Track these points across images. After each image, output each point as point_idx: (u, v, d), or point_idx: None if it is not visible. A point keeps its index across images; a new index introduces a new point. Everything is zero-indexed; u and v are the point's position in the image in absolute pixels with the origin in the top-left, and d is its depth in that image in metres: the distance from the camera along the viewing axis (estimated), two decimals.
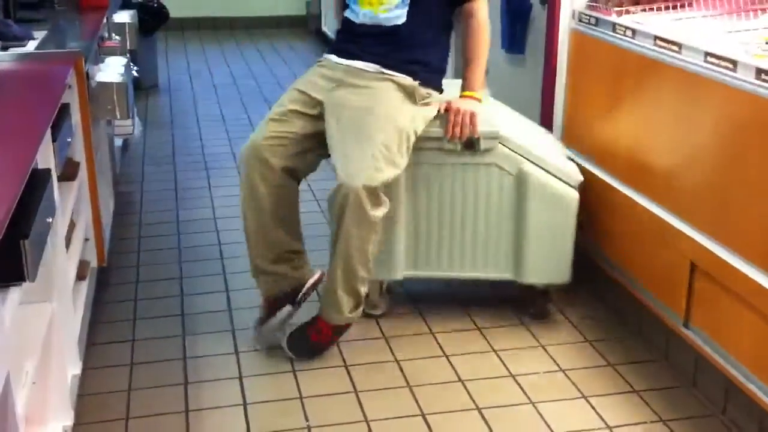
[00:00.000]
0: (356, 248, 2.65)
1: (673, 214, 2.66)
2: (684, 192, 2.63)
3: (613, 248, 3.04)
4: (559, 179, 2.93)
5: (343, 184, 2.57)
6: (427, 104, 2.83)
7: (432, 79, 2.88)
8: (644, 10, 3.01)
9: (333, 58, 2.86)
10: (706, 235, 2.51)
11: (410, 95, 2.77)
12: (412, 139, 2.74)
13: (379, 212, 2.63)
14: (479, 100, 2.86)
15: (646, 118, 2.81)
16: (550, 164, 2.93)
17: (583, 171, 3.16)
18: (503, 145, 2.88)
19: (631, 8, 3.03)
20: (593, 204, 3.13)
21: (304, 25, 8.74)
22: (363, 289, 2.76)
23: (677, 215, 2.64)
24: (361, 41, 2.82)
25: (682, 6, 3.00)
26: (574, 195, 2.95)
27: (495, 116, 3.01)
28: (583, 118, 3.26)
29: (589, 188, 3.14)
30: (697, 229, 2.55)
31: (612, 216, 3.02)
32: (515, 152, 2.89)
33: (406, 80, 2.77)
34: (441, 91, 2.92)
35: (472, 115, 2.80)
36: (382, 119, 2.66)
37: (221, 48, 7.99)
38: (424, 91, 2.80)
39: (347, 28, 2.90)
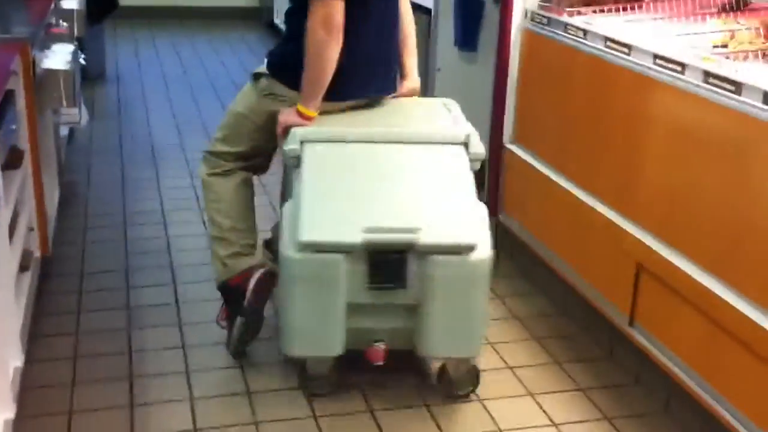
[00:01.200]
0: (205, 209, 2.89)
1: (621, 215, 2.70)
2: (632, 193, 2.66)
3: (561, 247, 3.07)
4: None
5: None
6: (271, 98, 2.68)
7: (279, 73, 2.64)
8: (595, 11, 3.04)
9: None
10: (653, 236, 2.55)
11: (255, 85, 2.73)
12: (248, 125, 2.72)
13: (211, 178, 2.78)
14: (304, 114, 2.54)
15: (596, 118, 2.84)
16: None
17: (533, 169, 3.19)
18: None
19: (582, 9, 3.06)
20: (542, 203, 3.17)
21: (257, 17, 8.67)
22: (217, 248, 2.78)
23: (625, 216, 2.68)
24: None
25: (633, 9, 3.04)
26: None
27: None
28: (534, 117, 3.29)
29: (537, 187, 3.17)
30: (645, 230, 2.58)
31: (561, 216, 3.05)
32: None
33: (261, 69, 2.73)
34: (295, 88, 2.58)
35: (285, 128, 2.58)
36: (232, 103, 2.82)
37: (171, 38, 7.88)
38: (265, 82, 2.68)
39: None
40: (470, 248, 2.38)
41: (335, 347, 2.46)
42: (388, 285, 2.38)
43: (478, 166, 2.58)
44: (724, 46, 2.53)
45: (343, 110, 2.66)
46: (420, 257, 2.37)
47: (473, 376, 2.64)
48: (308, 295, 2.41)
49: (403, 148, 2.57)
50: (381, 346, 2.47)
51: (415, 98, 2.88)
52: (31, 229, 2.92)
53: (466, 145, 2.56)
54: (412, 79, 2.86)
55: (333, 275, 2.37)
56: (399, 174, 2.54)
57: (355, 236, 2.33)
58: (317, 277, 2.38)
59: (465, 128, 2.63)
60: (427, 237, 2.35)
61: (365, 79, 2.65)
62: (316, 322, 2.43)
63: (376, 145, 2.56)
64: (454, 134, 2.59)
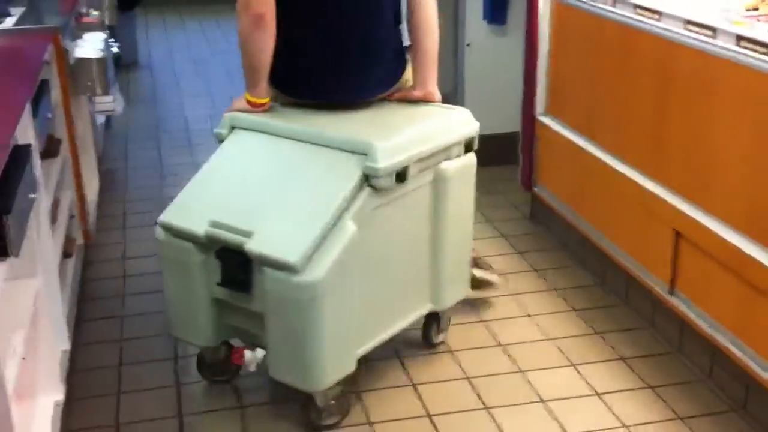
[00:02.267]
0: None
1: (655, 182, 2.68)
2: (666, 160, 2.64)
3: (597, 218, 3.05)
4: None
5: None
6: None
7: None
8: None
9: None
10: (688, 202, 2.53)
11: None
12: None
13: None
14: (251, 101, 2.53)
15: (628, 86, 2.82)
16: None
17: (565, 140, 3.18)
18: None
19: None
20: (576, 174, 3.15)
21: None
22: None
23: (660, 183, 2.66)
24: None
25: None
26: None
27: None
28: (565, 88, 3.27)
29: (570, 158, 3.16)
30: (680, 196, 2.56)
31: (595, 186, 3.03)
32: None
33: None
34: (278, 90, 2.59)
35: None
36: None
37: (200, 24, 7.92)
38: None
39: None
40: (292, 267, 2.14)
41: (204, 336, 2.44)
42: (233, 286, 2.29)
43: (388, 182, 2.28)
44: (755, 9, 2.49)
45: (317, 105, 2.55)
46: (259, 266, 2.23)
47: (343, 405, 2.39)
48: (173, 278, 2.43)
49: (311, 149, 2.39)
50: (245, 349, 2.39)
51: (426, 106, 2.63)
52: (72, 217, 2.97)
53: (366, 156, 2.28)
54: (424, 90, 2.62)
55: (186, 262, 2.35)
56: (286, 175, 2.40)
57: (199, 227, 2.29)
58: (175, 261, 2.39)
59: (394, 139, 2.34)
60: (254, 244, 2.20)
61: (315, 85, 2.54)
62: (184, 307, 2.44)
63: (290, 141, 2.43)
64: (356, 143, 2.31)
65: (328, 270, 2.17)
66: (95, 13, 4.02)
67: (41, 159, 2.40)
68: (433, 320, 2.71)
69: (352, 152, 2.30)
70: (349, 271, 2.23)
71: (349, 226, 2.22)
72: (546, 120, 3.36)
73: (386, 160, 2.27)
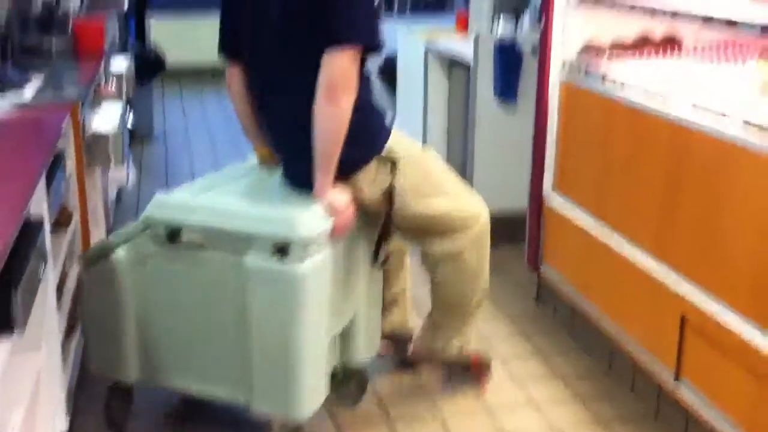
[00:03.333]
0: None
1: (663, 265, 2.67)
2: (673, 243, 2.63)
3: (603, 300, 3.03)
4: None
5: None
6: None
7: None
8: (632, 58, 3.04)
9: None
10: (696, 286, 2.51)
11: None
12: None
13: None
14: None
15: (637, 168, 2.83)
16: None
17: (573, 220, 3.18)
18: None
19: (620, 55, 3.06)
20: (583, 254, 3.14)
21: None
22: None
23: (667, 266, 2.65)
24: None
25: (671, 54, 3.03)
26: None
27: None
28: (573, 167, 3.28)
29: (577, 237, 3.15)
30: (688, 280, 2.55)
31: (601, 267, 3.02)
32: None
33: None
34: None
35: None
36: None
37: (218, 97, 8.03)
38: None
39: None
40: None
41: None
42: None
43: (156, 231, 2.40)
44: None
45: None
46: None
47: None
48: None
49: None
50: None
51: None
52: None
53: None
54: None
55: None
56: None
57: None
58: None
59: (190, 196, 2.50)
60: None
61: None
62: None
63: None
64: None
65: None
66: (114, 85, 4.09)
67: (51, 231, 2.41)
68: None
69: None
70: None
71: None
72: (554, 199, 3.37)
73: (160, 212, 2.40)
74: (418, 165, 2.57)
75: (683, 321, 2.55)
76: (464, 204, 2.68)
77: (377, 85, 4.87)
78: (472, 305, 2.80)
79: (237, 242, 2.33)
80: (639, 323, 2.81)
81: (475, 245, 2.68)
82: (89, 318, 2.61)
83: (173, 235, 2.29)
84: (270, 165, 2.70)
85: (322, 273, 2.35)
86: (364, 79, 2.44)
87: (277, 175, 2.62)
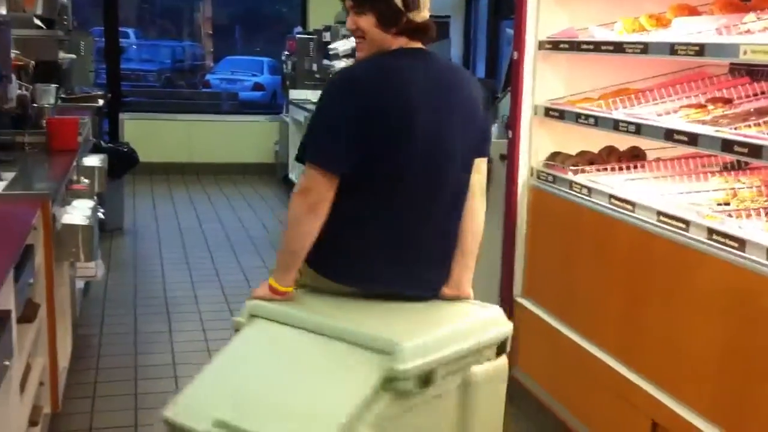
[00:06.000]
0: None
1: (632, 370, 2.69)
2: (642, 347, 2.66)
3: (574, 403, 3.03)
4: None
5: None
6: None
7: (315, 262, 2.42)
8: (598, 170, 3.12)
9: None
10: (664, 392, 2.53)
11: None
12: None
13: None
14: (275, 289, 2.35)
15: (604, 273, 2.88)
16: None
17: (543, 323, 3.20)
18: None
19: (586, 168, 3.15)
20: (554, 358, 3.15)
21: (272, 173, 8.90)
22: None
23: (637, 371, 2.67)
24: None
25: (635, 167, 3.12)
26: None
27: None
28: (542, 271, 3.33)
29: (548, 342, 3.17)
30: (655, 385, 2.57)
31: (573, 372, 3.03)
32: None
33: None
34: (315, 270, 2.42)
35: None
36: None
37: (188, 193, 8.09)
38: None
39: None
40: None
41: None
42: None
43: (408, 385, 2.09)
44: (727, 204, 2.59)
45: (354, 293, 2.38)
46: None
47: None
48: None
49: (332, 345, 2.20)
50: None
51: (458, 303, 2.47)
52: (41, 384, 2.92)
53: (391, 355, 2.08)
54: (458, 291, 2.48)
55: None
56: (303, 372, 2.20)
57: (201, 425, 2.10)
58: None
59: (421, 338, 2.15)
60: None
61: (371, 272, 2.37)
62: None
63: (311, 335, 2.25)
64: (379, 340, 2.13)
65: None
66: (86, 180, 4.11)
67: (18, 323, 2.39)
68: None
69: (375, 350, 2.11)
70: None
71: None
72: (523, 302, 3.40)
73: (411, 361, 2.08)
74: None
75: (654, 427, 2.56)
76: None
77: None
78: None
79: (468, 359, 2.28)
80: (610, 427, 2.80)
81: None
82: None
83: (427, 379, 2.16)
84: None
85: None
86: None
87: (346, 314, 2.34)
